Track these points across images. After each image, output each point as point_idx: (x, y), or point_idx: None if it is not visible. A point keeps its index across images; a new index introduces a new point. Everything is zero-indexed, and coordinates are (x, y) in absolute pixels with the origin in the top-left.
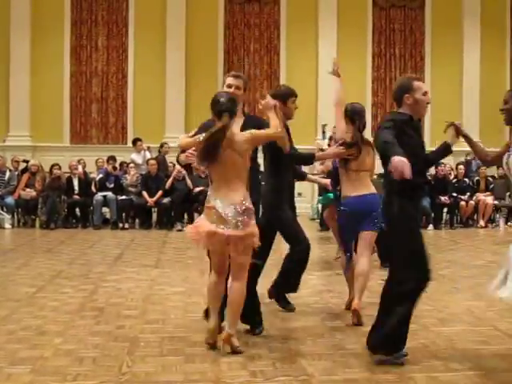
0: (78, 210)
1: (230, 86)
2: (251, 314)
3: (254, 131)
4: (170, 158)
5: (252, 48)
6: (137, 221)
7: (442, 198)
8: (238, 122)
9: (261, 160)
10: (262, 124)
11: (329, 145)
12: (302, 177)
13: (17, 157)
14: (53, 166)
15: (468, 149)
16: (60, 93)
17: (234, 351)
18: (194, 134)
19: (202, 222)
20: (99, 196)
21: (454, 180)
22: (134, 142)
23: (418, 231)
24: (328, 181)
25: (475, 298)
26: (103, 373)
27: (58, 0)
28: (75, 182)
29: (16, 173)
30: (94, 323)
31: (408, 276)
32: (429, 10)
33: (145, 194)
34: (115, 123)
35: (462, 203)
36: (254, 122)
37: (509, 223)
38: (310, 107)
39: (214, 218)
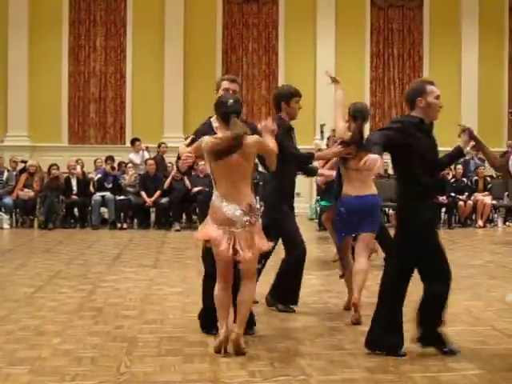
0: (76, 210)
1: (227, 90)
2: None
3: (261, 139)
4: (169, 158)
5: (250, 48)
6: (135, 221)
7: (440, 198)
8: None
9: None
10: (255, 129)
11: (327, 145)
12: (314, 172)
13: (15, 157)
14: (51, 166)
15: (466, 148)
16: (58, 93)
17: (239, 352)
18: (191, 141)
19: (211, 228)
20: (97, 196)
21: (453, 180)
22: (133, 142)
23: (430, 232)
24: (333, 172)
25: (473, 297)
26: (102, 373)
27: (56, 0)
28: (73, 182)
29: (14, 173)
30: (92, 323)
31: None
32: (427, 9)
33: (143, 194)
34: (113, 123)
35: (461, 203)
36: (249, 126)
37: (507, 223)
38: (308, 107)
39: (220, 220)
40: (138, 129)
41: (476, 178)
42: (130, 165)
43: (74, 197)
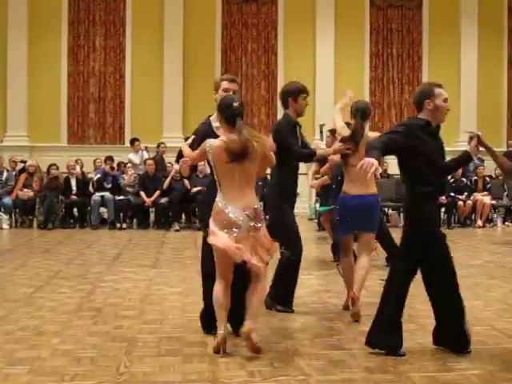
0: (75, 210)
1: (227, 91)
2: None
3: (266, 141)
4: (168, 158)
5: (250, 48)
6: (134, 221)
7: (440, 198)
8: None
9: None
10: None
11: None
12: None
13: (14, 157)
14: (50, 166)
15: (465, 148)
16: (57, 93)
17: (253, 348)
18: (193, 142)
19: (221, 235)
20: (97, 196)
21: (452, 180)
22: (132, 142)
23: (438, 232)
24: (337, 157)
25: (473, 297)
26: (101, 373)
27: (55, 0)
28: (73, 182)
29: (13, 173)
30: (91, 323)
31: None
32: (426, 9)
33: (142, 194)
34: (113, 123)
35: (460, 203)
36: None
37: (506, 223)
38: (307, 107)
39: (223, 223)
40: (138, 129)
41: (475, 177)
42: (129, 165)
43: (74, 197)
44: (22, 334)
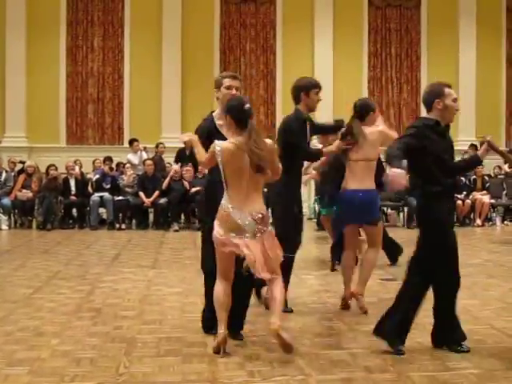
0: (74, 210)
1: (230, 88)
2: (240, 317)
3: (273, 147)
4: (167, 159)
5: (248, 48)
6: (133, 221)
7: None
8: None
9: None
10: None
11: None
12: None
13: (13, 158)
14: (49, 166)
15: (464, 148)
16: (56, 93)
17: (285, 345)
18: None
19: (224, 234)
20: (96, 197)
21: None
22: (131, 142)
23: (450, 232)
24: (338, 142)
25: (472, 296)
26: (100, 374)
27: (53, 0)
28: (72, 183)
29: (12, 174)
30: (91, 324)
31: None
32: (424, 9)
33: (141, 194)
34: (111, 124)
35: (459, 202)
36: None
37: (505, 222)
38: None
39: (229, 225)
40: (136, 129)
41: (474, 177)
42: (128, 165)
43: (73, 197)
44: (21, 334)
